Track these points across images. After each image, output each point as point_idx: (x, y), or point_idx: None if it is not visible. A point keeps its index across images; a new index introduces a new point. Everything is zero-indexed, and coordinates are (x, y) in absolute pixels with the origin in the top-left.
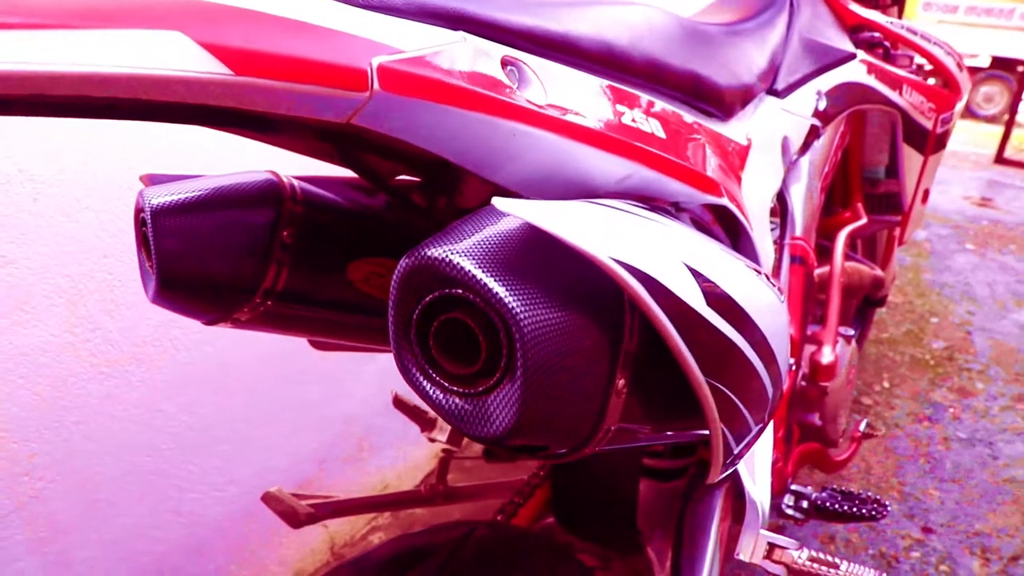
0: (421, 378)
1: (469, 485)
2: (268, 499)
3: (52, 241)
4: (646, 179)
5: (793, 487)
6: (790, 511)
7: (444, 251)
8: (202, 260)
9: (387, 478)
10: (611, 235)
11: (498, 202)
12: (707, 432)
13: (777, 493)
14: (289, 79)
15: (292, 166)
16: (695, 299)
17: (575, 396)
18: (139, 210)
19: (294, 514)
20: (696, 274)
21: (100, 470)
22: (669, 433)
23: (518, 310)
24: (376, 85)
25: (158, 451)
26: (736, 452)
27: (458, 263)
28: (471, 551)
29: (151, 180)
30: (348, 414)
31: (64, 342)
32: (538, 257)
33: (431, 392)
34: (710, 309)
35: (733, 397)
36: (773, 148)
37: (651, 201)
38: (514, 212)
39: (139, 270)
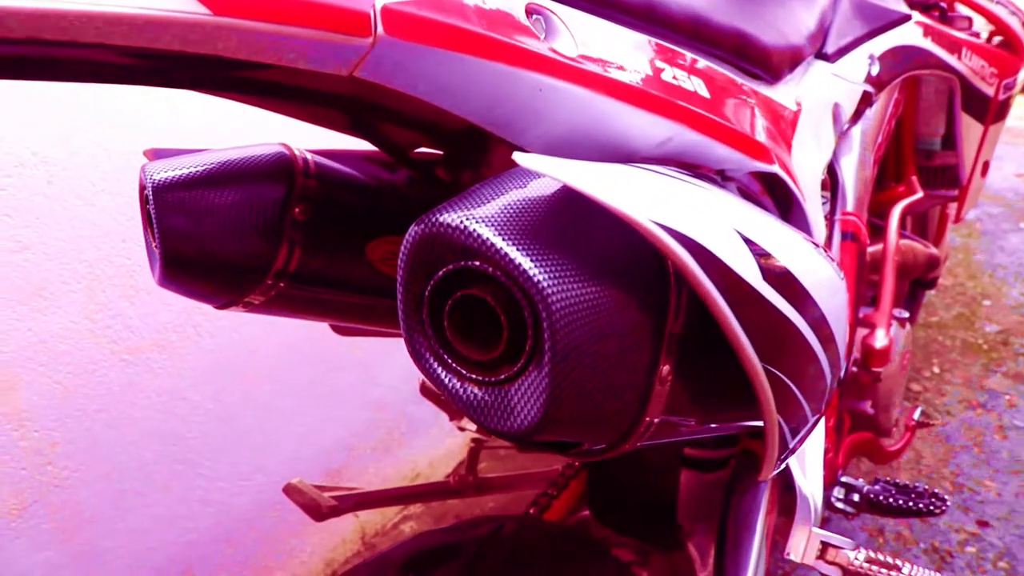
0: (435, 364)
1: (500, 476)
2: (290, 491)
3: (68, 225)
4: (690, 142)
5: (844, 479)
6: (840, 504)
7: (459, 217)
8: (208, 239)
9: (419, 467)
10: (653, 197)
11: (520, 158)
12: (760, 423)
13: (827, 485)
14: (276, 21)
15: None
16: (750, 272)
17: (613, 385)
18: (142, 187)
19: (316, 507)
20: (750, 244)
21: (124, 459)
22: (717, 425)
23: (545, 284)
24: (380, 29)
25: (183, 440)
26: (791, 446)
27: (475, 230)
28: (499, 549)
29: (155, 155)
30: (378, 401)
31: (83, 329)
32: (569, 224)
33: (446, 380)
34: (766, 284)
35: (790, 384)
36: (824, 116)
37: (695, 168)
38: (539, 169)
39: (146, 251)
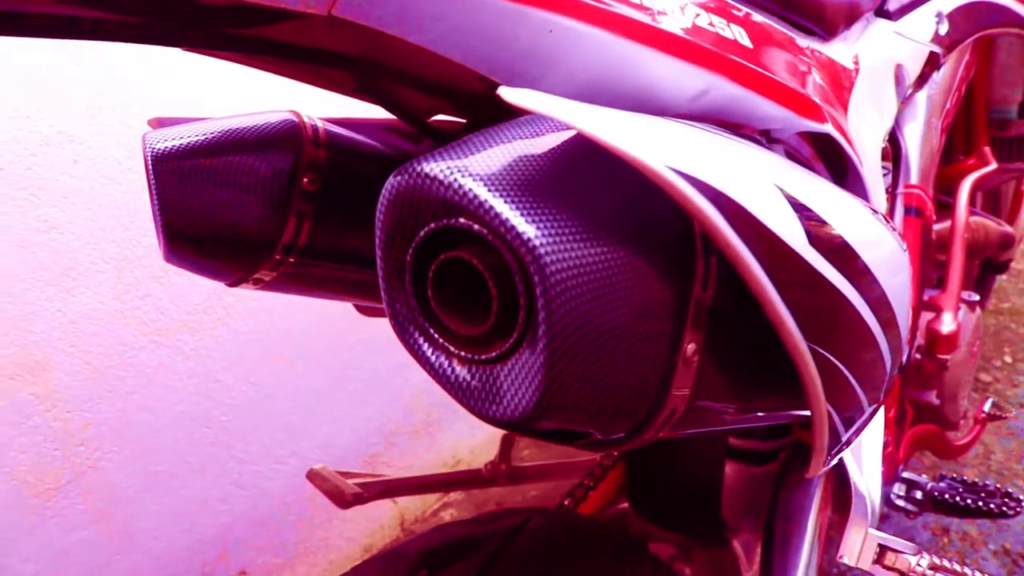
0: (419, 338)
1: (535, 465)
2: (313, 477)
3: (95, 205)
4: (729, 96)
5: (905, 475)
6: (901, 502)
7: (442, 166)
8: (209, 211)
9: (459, 453)
10: (673, 143)
11: (506, 92)
12: (807, 413)
13: (887, 482)
14: None
15: None
16: (793, 234)
17: (625, 367)
18: (144, 157)
19: (340, 494)
20: (795, 204)
21: (157, 441)
22: (757, 414)
23: (537, 243)
24: None
25: (217, 422)
26: (844, 439)
27: (457, 181)
28: (523, 543)
29: (160, 124)
30: (416, 385)
31: (113, 310)
32: (574, 176)
33: (432, 357)
34: (814, 250)
35: (843, 369)
36: (885, 78)
37: (735, 127)
38: (525, 104)
39: (153, 225)
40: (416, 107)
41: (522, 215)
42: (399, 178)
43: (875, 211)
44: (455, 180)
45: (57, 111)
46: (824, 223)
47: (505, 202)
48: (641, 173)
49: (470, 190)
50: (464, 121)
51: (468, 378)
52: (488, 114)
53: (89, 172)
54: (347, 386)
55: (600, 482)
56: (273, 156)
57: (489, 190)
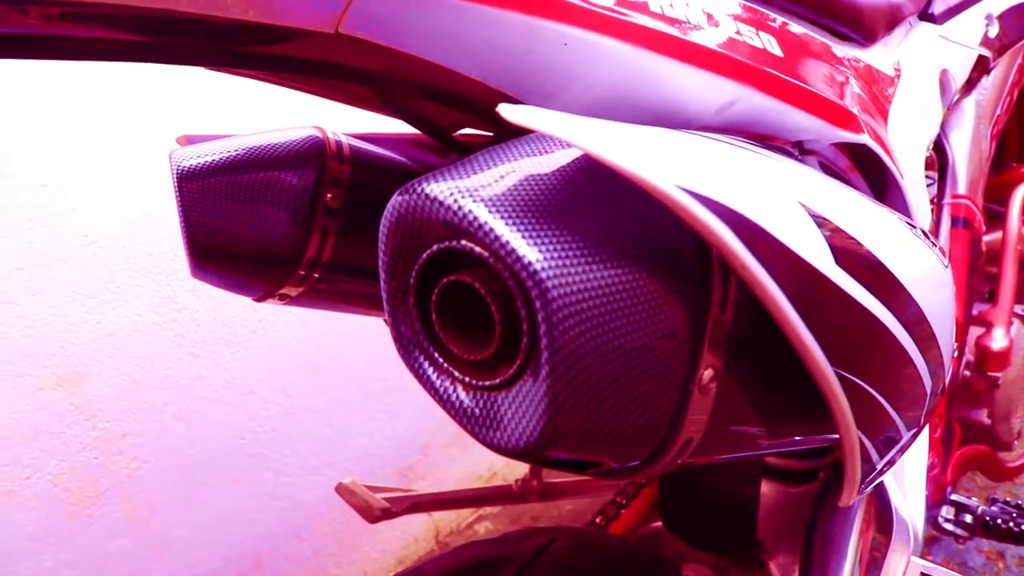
0: (424, 362)
1: (567, 481)
2: (341, 491)
3: (132, 219)
4: (757, 108)
5: (954, 497)
6: (950, 527)
7: (445, 187)
8: (234, 227)
9: (495, 466)
10: (686, 160)
11: (505, 109)
12: (838, 437)
13: (934, 504)
14: None
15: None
16: (817, 253)
17: (635, 396)
18: (172, 175)
19: (368, 509)
20: (820, 221)
21: (193, 451)
22: (785, 440)
23: (539, 267)
24: None
25: (252, 433)
26: (880, 466)
27: (457, 202)
28: (547, 566)
29: (188, 142)
30: None
31: (150, 322)
32: (584, 197)
33: (437, 382)
34: (841, 270)
35: (876, 394)
36: (929, 84)
37: (765, 140)
38: (523, 122)
39: (183, 240)
40: (440, 121)
41: (524, 237)
42: (402, 198)
43: (912, 225)
44: (455, 201)
45: (95, 126)
46: (853, 240)
47: (507, 224)
48: (650, 194)
49: (470, 211)
50: (491, 134)
51: (471, 405)
52: (512, 125)
53: (126, 186)
54: (383, 398)
55: (633, 500)
56: (297, 172)
57: (490, 211)
